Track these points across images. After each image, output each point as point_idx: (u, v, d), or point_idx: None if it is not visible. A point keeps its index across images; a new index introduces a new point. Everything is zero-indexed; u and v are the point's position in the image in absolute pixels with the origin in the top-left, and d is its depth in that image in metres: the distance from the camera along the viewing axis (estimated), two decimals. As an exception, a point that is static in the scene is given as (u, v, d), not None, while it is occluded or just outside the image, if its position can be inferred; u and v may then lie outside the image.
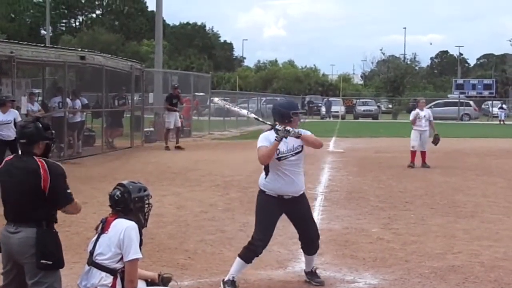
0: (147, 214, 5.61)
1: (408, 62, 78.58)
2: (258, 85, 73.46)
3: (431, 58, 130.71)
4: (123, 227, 5.31)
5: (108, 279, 5.25)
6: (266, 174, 6.76)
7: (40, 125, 5.39)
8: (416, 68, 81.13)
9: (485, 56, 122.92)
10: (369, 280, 7.19)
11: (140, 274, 5.53)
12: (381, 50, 77.40)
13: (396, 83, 72.58)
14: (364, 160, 20.83)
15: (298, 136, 6.56)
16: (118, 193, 5.49)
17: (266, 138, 6.66)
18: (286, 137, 6.50)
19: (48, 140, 5.37)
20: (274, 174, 6.70)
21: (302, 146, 6.72)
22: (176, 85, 25.93)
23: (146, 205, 5.58)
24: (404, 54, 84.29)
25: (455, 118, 58.03)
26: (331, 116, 61.59)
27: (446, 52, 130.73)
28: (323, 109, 64.12)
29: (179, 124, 24.30)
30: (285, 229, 9.81)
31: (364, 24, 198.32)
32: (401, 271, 7.55)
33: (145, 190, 5.60)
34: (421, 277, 7.32)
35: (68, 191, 5.26)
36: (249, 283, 6.99)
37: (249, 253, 6.69)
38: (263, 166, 6.80)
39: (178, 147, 23.26)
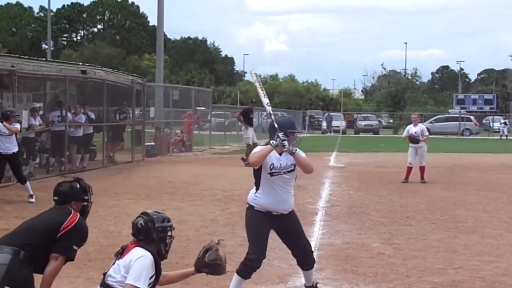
0: (168, 245, 5.54)
1: (409, 77, 78.67)
2: (259, 99, 73.37)
3: (432, 73, 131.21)
4: (138, 255, 5.24)
5: None
6: (257, 189, 6.76)
7: (78, 186, 5.57)
8: (417, 83, 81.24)
9: (486, 71, 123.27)
10: (370, 295, 7.18)
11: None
12: (382, 65, 77.51)
13: (397, 98, 72.64)
14: (365, 175, 20.82)
15: (292, 153, 6.57)
16: (141, 221, 5.40)
17: (261, 148, 6.66)
18: (280, 146, 6.49)
19: (83, 201, 5.55)
20: (265, 190, 6.69)
21: (294, 165, 6.70)
22: (253, 100, 25.90)
23: (168, 237, 5.52)
24: (405, 69, 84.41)
25: (456, 133, 58.07)
26: (332, 131, 61.65)
27: (447, 67, 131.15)
28: (324, 124, 64.22)
29: (256, 140, 24.10)
30: (285, 244, 9.81)
31: (365, 39, 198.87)
32: (402, 286, 7.53)
33: (168, 221, 5.52)
34: (422, 292, 7.31)
35: (75, 247, 5.42)
36: (249, 298, 6.97)
37: (246, 269, 6.69)
38: (254, 181, 6.78)
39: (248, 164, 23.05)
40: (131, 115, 24.81)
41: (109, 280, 5.23)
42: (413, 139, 18.41)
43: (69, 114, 20.05)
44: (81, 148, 20.71)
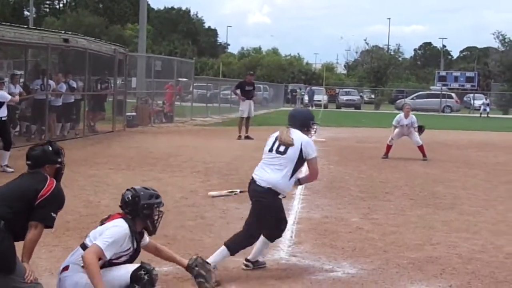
0: (157, 222, 5.59)
1: (392, 53, 78.75)
2: (241, 72, 73.50)
3: (415, 50, 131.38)
4: (115, 223, 5.37)
5: None
6: (290, 178, 6.80)
7: (50, 149, 5.52)
8: (400, 59, 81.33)
9: (468, 48, 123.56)
10: (348, 270, 7.23)
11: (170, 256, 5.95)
12: (365, 40, 77.36)
13: (379, 73, 72.81)
14: (346, 149, 20.90)
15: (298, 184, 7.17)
16: (129, 195, 5.52)
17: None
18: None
19: (56, 164, 5.50)
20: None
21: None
22: (251, 72, 25.62)
23: (157, 213, 5.57)
24: (388, 45, 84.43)
25: (437, 110, 58.34)
26: (314, 105, 61.73)
27: (430, 43, 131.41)
28: (306, 98, 64.31)
29: (252, 114, 23.88)
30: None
31: (349, 14, 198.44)
32: (379, 261, 7.59)
33: (157, 198, 5.57)
34: (399, 267, 7.37)
35: (53, 215, 5.33)
36: (228, 270, 7.00)
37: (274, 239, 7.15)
38: (288, 169, 6.75)
39: (247, 137, 22.94)
40: (112, 85, 24.65)
41: (86, 240, 5.37)
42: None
43: (51, 82, 19.89)
44: (62, 117, 20.58)
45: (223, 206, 10.61)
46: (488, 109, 55.80)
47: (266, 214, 6.79)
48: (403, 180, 14.33)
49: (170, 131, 25.68)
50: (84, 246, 5.31)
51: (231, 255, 6.80)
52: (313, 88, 66.86)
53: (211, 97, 41.25)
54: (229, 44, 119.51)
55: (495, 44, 76.23)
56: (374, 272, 7.19)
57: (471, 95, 67.59)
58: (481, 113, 54.99)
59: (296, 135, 6.79)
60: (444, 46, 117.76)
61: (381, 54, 76.35)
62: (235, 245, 6.78)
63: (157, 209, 5.57)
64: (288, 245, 8.19)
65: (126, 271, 5.32)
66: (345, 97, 65.59)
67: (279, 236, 7.21)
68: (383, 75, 73.01)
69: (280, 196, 6.80)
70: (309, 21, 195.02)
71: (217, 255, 6.73)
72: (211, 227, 9.11)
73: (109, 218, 5.50)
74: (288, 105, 63.68)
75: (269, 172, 6.72)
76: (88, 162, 15.16)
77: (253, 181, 6.83)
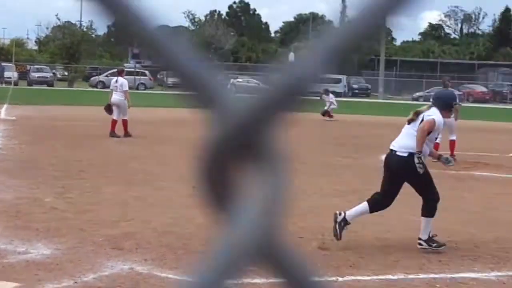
0: None
1: (85, 30, 77.79)
2: None
3: (108, 26, 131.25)
4: None
5: None
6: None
7: None
8: (93, 35, 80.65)
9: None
10: (42, 251, 7.05)
11: None
12: (56, 15, 75.20)
13: (72, 50, 71.51)
14: (39, 128, 20.31)
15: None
16: None
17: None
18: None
19: None
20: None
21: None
22: None
23: None
24: (81, 21, 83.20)
25: (131, 88, 58.93)
26: (4, 82, 59.06)
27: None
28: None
29: None
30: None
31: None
32: (75, 240, 7.51)
33: None
34: (95, 245, 7.36)
35: None
36: None
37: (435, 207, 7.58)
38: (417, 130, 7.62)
39: None
40: None
41: None
42: None
43: None
44: None
45: None
46: None
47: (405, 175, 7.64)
48: (99, 159, 14.34)
49: None
50: None
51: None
52: (2, 64, 63.88)
53: None
54: None
55: (186, 23, 78.97)
56: (69, 251, 7.11)
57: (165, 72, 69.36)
58: None
59: (429, 110, 7.77)
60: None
61: (73, 30, 74.98)
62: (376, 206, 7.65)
63: None
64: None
65: None
66: (37, 74, 63.61)
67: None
68: (76, 51, 71.83)
69: (416, 155, 7.57)
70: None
71: (359, 213, 7.64)
72: None
73: None
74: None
75: (403, 139, 7.79)
76: None
77: (392, 153, 7.77)
